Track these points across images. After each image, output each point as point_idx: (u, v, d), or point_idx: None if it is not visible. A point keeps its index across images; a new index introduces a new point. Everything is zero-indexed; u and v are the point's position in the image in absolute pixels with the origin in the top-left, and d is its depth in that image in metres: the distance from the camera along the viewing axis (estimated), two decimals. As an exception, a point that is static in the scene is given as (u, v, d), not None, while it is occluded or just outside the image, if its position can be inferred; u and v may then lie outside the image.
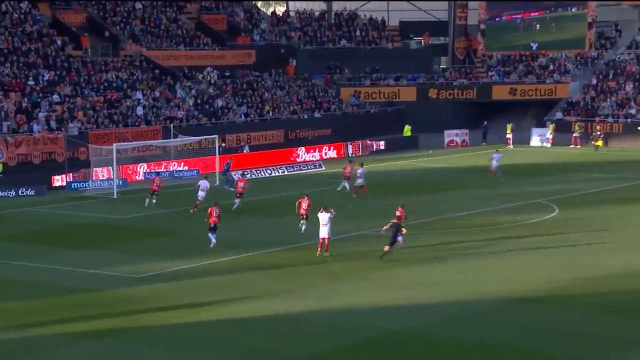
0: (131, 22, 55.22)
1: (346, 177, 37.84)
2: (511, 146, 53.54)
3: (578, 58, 62.82)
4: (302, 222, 29.02)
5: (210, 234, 27.61)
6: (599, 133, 52.91)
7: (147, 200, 35.23)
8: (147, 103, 48.44)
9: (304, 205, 28.93)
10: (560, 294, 22.16)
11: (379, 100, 60.00)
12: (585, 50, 63.27)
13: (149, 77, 51.11)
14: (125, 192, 38.88)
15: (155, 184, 35.72)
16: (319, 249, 26.43)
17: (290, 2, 73.92)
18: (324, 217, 26.25)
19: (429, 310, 21.15)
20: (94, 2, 54.82)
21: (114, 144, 40.00)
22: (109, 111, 46.24)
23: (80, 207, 35.69)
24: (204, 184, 34.26)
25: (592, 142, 52.32)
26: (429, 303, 21.66)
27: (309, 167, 46.14)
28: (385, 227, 25.98)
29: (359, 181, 36.69)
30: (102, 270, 25.20)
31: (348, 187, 37.55)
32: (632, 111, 55.89)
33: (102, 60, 50.53)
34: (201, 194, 33.70)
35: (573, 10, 63.94)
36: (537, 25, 64.55)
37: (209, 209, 27.83)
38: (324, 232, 26.16)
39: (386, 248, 25.62)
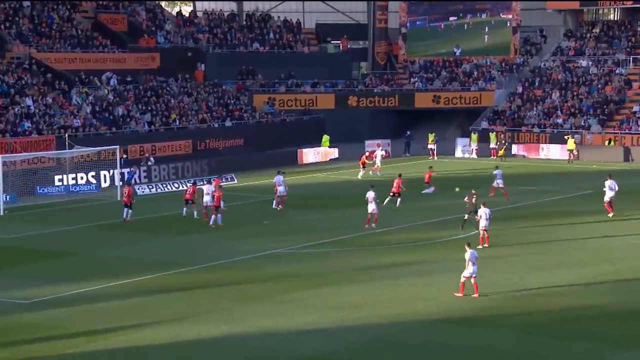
0: (18, 21, 53.71)
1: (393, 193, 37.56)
2: (434, 157, 54.33)
3: (503, 64, 64.47)
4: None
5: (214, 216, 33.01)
6: (503, 142, 54.38)
7: (124, 211, 34.33)
8: (39, 110, 47.12)
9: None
10: (487, 314, 22.47)
11: (295, 108, 60.13)
12: (511, 56, 65.00)
13: (39, 81, 49.76)
14: (14, 209, 37.63)
15: (125, 195, 34.86)
16: (367, 223, 32.41)
17: (197, 2, 73.45)
18: (370, 194, 32.84)
19: (351, 333, 21.12)
20: (-25, -1, 53.13)
21: (0, 156, 38.68)
22: (-5, 119, 44.77)
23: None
24: (279, 178, 36.39)
25: (493, 152, 53.79)
26: (351, 325, 21.63)
27: (220, 181, 45.64)
28: (466, 200, 31.90)
29: (281, 189, 36.65)
30: (-14, 296, 24.24)
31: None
32: (559, 120, 57.63)
33: (-14, 62, 48.96)
34: (281, 188, 36.39)
35: (483, 16, 65.52)
36: (457, 29, 65.90)
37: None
38: (371, 207, 32.58)
39: (466, 217, 31.53)
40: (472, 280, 23.75)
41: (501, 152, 53.58)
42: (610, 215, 34.28)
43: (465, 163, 51.97)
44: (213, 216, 33.80)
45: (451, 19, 65.91)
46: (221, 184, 38.88)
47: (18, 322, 22.07)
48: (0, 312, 22.85)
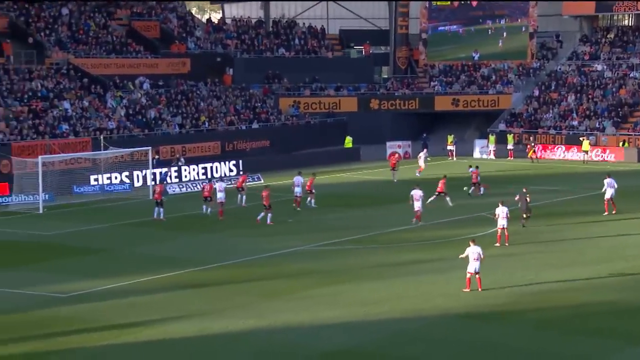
0: (57, 29, 54.14)
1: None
2: (453, 158, 54.10)
3: (520, 69, 64.04)
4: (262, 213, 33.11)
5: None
6: (532, 144, 53.82)
7: (155, 210, 34.68)
8: (76, 113, 47.46)
9: (264, 194, 33.37)
10: (504, 309, 22.31)
11: (319, 110, 60.05)
12: (527, 61, 64.54)
13: (76, 86, 50.12)
14: (52, 207, 37.91)
15: (157, 192, 35.30)
16: (416, 218, 32.83)
17: (226, 9, 73.63)
18: (417, 192, 32.92)
19: (373, 328, 21.04)
20: (16, 7, 53.54)
21: (40, 157, 38.97)
22: (34, 122, 45.13)
23: (2, 223, 34.63)
24: (298, 179, 36.20)
25: (529, 155, 53.22)
26: (373, 320, 21.55)
27: (247, 180, 45.69)
28: (517, 198, 32.32)
29: (297, 190, 36.61)
30: (25, 289, 24.44)
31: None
32: (574, 122, 57.16)
33: (26, 68, 49.36)
34: (297, 189, 36.10)
35: (502, 22, 65.15)
36: (475, 34, 65.55)
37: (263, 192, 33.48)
38: (417, 205, 32.76)
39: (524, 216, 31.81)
40: (477, 276, 23.62)
41: (531, 154, 52.91)
42: (606, 214, 33.93)
43: (485, 164, 51.58)
44: (262, 213, 33.68)
45: (471, 25, 65.52)
46: (249, 182, 38.97)
47: (55, 314, 22.21)
48: (38, 305, 23.01)
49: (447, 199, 36.52)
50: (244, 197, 37.80)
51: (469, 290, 23.65)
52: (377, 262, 27.53)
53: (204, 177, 45.96)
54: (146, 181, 42.65)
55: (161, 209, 34.91)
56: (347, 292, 24.06)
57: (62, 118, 46.51)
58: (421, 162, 47.33)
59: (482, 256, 23.86)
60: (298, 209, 36.49)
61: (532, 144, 53.75)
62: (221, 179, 37.23)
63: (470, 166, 41.62)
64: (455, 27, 65.95)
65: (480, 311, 22.13)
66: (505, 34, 65.19)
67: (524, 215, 32.38)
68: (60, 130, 45.42)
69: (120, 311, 22.46)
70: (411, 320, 21.51)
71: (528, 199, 32.53)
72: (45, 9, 54.80)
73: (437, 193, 36.70)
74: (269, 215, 33.55)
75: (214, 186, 36.04)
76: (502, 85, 62.20)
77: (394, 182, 43.64)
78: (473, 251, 23.79)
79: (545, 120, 58.17)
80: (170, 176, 44.72)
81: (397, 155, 47.28)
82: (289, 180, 39.25)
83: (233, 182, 41.55)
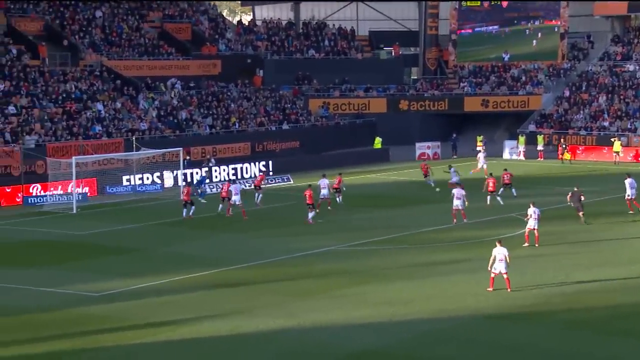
0: (91, 31, 54.76)
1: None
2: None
3: (551, 69, 63.55)
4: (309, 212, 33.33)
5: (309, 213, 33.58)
6: (564, 146, 53.27)
7: (184, 210, 35.29)
8: (108, 115, 47.97)
9: (308, 194, 33.68)
10: (534, 310, 22.20)
11: (348, 112, 60.08)
12: (558, 61, 64.03)
13: (109, 87, 50.66)
14: (85, 207, 38.37)
15: (184, 193, 35.86)
16: (464, 218, 32.94)
17: (256, 11, 73.94)
18: (459, 191, 33.03)
19: (402, 328, 21.05)
20: (51, 10, 54.26)
21: (73, 157, 39.47)
22: (68, 123, 45.70)
23: (37, 223, 35.10)
24: (324, 182, 36.34)
25: (560, 156, 52.74)
26: (402, 320, 21.55)
27: (277, 181, 45.98)
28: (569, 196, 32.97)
29: (323, 192, 36.66)
30: (59, 288, 24.77)
31: (340, 200, 38.03)
32: (605, 123, 56.58)
33: (61, 70, 49.99)
34: (324, 191, 36.19)
35: (537, 22, 64.71)
36: (507, 35, 65.24)
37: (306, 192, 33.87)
38: (455, 204, 32.95)
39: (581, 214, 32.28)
40: (505, 276, 23.54)
41: (567, 157, 52.41)
42: (631, 212, 33.84)
43: (515, 165, 51.25)
44: (312, 213, 33.91)
45: (506, 25, 65.12)
46: (279, 184, 39.16)
47: (88, 313, 22.47)
48: (72, 303, 23.31)
49: (513, 190, 37.83)
50: (261, 195, 38.23)
51: (492, 289, 23.59)
52: (406, 263, 27.52)
53: (234, 177, 46.24)
54: (177, 182, 42.98)
55: (192, 207, 35.34)
56: (376, 292, 24.09)
57: (95, 119, 47.04)
58: (480, 163, 46.41)
59: (508, 258, 23.76)
60: (329, 207, 36.55)
61: (563, 145, 53.27)
62: (236, 181, 37.78)
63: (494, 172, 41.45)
64: (488, 28, 65.60)
65: (510, 312, 22.04)
66: (540, 34, 64.73)
67: (580, 214, 32.59)
68: (93, 132, 45.94)
69: (153, 310, 22.67)
70: (440, 321, 21.49)
71: (582, 197, 32.78)
72: (79, 12, 55.47)
73: (490, 192, 36.86)
74: (310, 214, 33.78)
75: (230, 188, 36.15)
76: (532, 86, 61.78)
77: (432, 186, 42.87)
78: (499, 252, 23.74)
79: (575, 121, 57.67)
80: (210, 178, 44.77)
81: (425, 164, 45.06)
82: (317, 181, 39.25)
83: (247, 185, 42.15)
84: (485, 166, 46.54)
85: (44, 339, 20.46)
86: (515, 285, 23.88)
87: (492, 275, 23.73)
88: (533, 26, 64.90)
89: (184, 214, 35.30)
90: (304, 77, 61.70)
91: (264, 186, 39.92)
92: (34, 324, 21.57)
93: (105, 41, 54.86)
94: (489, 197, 36.95)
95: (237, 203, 35.26)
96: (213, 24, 62.59)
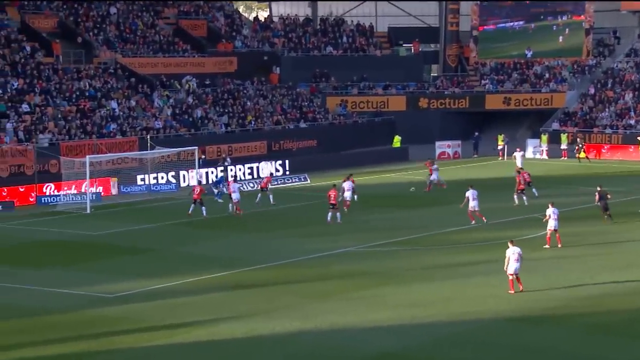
0: (105, 28, 55.12)
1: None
2: (503, 158, 53.66)
3: (575, 66, 63.22)
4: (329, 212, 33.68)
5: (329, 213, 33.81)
6: (580, 145, 52.96)
7: (192, 206, 35.93)
8: (123, 113, 48.28)
9: (332, 194, 33.82)
10: (556, 312, 22.17)
11: (367, 110, 60.11)
12: (583, 58, 63.69)
13: (124, 85, 50.97)
14: (99, 207, 38.65)
15: (196, 192, 36.32)
16: (472, 219, 33.01)
17: (273, 7, 74.09)
18: (474, 192, 32.97)
19: (421, 331, 21.09)
20: (65, 7, 54.67)
21: (87, 156, 39.75)
22: (82, 121, 46.03)
23: (50, 223, 35.41)
24: (349, 184, 36.54)
25: (576, 155, 52.49)
26: (421, 323, 21.59)
27: (293, 180, 46.10)
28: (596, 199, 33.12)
29: (348, 194, 36.75)
30: (73, 289, 24.98)
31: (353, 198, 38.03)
32: (632, 122, 56.23)
33: (75, 67, 50.35)
34: (348, 194, 36.26)
35: (564, 18, 64.41)
36: (533, 31, 65.00)
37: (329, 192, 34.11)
38: (471, 204, 33.09)
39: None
40: (515, 276, 23.62)
41: (582, 155, 52.19)
42: None
43: (538, 164, 51.11)
44: (331, 213, 34.08)
45: (531, 21, 64.87)
46: (295, 183, 39.30)
47: (102, 315, 22.65)
48: (86, 305, 23.51)
49: (534, 190, 37.92)
50: (271, 196, 38.82)
51: (513, 292, 23.58)
52: (426, 264, 27.55)
53: (250, 177, 46.38)
54: (192, 181, 43.17)
55: (203, 207, 35.60)
56: (395, 294, 24.14)
57: (109, 117, 47.35)
58: (518, 162, 45.87)
59: (521, 257, 23.78)
60: (345, 209, 36.65)
61: (580, 144, 52.96)
62: (235, 179, 38.29)
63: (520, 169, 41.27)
64: (513, 23, 65.37)
65: (532, 314, 22.03)
66: (567, 30, 64.39)
67: (606, 214, 32.72)
68: (107, 130, 46.25)
69: (169, 312, 22.83)
70: (461, 324, 21.51)
71: (609, 196, 32.96)
72: (93, 9, 55.83)
73: (518, 190, 36.96)
74: (329, 214, 34.00)
75: (230, 186, 37.12)
76: (556, 83, 61.48)
77: (442, 185, 43.10)
78: (513, 252, 23.75)
79: (600, 119, 57.34)
80: (226, 177, 44.99)
81: (431, 161, 44.57)
82: (334, 180, 39.32)
83: (257, 183, 42.66)
84: (520, 165, 46.05)
85: (57, 341, 20.66)
86: (539, 287, 23.87)
87: (510, 277, 23.72)
88: (562, 21, 64.51)
89: (190, 209, 35.73)
90: (321, 74, 61.78)
91: (271, 187, 40.13)
92: (48, 326, 21.79)
93: (120, 38, 55.20)
94: (515, 196, 36.73)
95: (237, 200, 36.12)
96: (229, 20, 62.81)
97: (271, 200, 38.67)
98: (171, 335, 20.97)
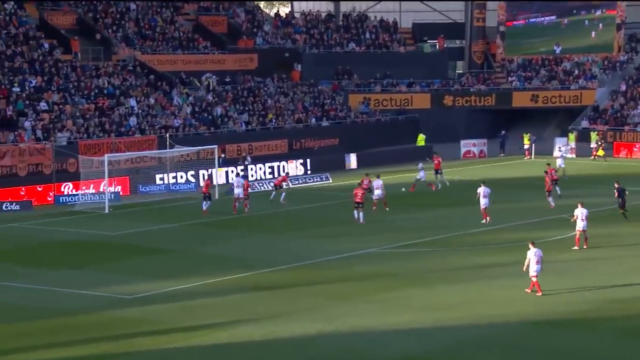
0: (124, 24, 55.43)
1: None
2: (530, 157, 53.35)
3: (606, 62, 62.70)
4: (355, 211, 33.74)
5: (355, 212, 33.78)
6: (600, 143, 52.43)
7: (204, 203, 36.35)
8: (142, 111, 48.52)
9: (359, 194, 33.85)
10: (585, 316, 22.03)
11: (390, 107, 60.03)
12: (614, 54, 63.14)
13: (143, 83, 51.24)
14: (117, 207, 38.88)
15: (204, 186, 37.01)
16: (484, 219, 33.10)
17: (295, 3, 74.17)
18: (485, 190, 33.25)
19: (445, 334, 21.02)
20: (84, 3, 55.06)
21: (106, 155, 39.97)
22: (100, 119, 46.33)
23: (68, 223, 35.67)
24: (378, 183, 36.65)
25: (592, 152, 52.02)
26: (445, 326, 21.53)
27: (315, 180, 46.12)
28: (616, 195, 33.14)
29: (378, 193, 36.66)
30: (91, 290, 25.15)
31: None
32: (664, 119, 55.71)
33: (93, 65, 50.70)
34: (378, 192, 36.43)
35: (597, 12, 63.90)
36: (565, 26, 64.46)
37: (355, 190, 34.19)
38: (483, 203, 33.37)
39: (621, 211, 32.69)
40: (534, 279, 23.49)
41: (600, 153, 51.89)
42: None
43: (567, 163, 50.68)
44: (356, 212, 34.16)
45: (564, 16, 64.39)
46: (317, 183, 39.33)
47: (121, 316, 22.79)
48: (105, 306, 23.65)
49: (557, 189, 37.82)
50: (283, 194, 39.00)
51: (541, 294, 23.46)
52: (451, 265, 27.45)
53: (271, 176, 46.45)
54: (212, 180, 43.27)
55: (208, 202, 36.18)
56: (419, 296, 24.08)
57: (128, 115, 47.61)
58: (559, 162, 45.44)
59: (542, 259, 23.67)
60: (386, 208, 36.50)
61: (600, 142, 52.41)
62: (238, 175, 38.63)
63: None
64: (544, 19, 64.93)
65: (559, 317, 21.90)
66: (601, 25, 63.84)
67: (622, 211, 32.73)
68: (126, 128, 46.50)
69: (188, 313, 22.92)
70: (486, 327, 21.41)
71: (626, 192, 32.85)
72: (112, 5, 56.18)
73: (548, 192, 36.69)
74: (356, 212, 34.08)
75: (232, 181, 37.39)
76: (585, 80, 61.04)
77: (446, 184, 42.89)
78: (534, 253, 23.63)
79: (632, 117, 56.82)
80: (246, 176, 45.08)
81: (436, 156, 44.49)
82: (356, 180, 39.30)
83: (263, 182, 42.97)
84: (562, 165, 45.45)
85: (75, 343, 20.80)
86: (569, 289, 23.72)
87: (534, 279, 23.61)
88: (596, 16, 63.92)
89: (203, 206, 36.14)
90: (343, 71, 61.75)
91: (285, 186, 40.30)
92: (65, 327, 21.94)
93: (139, 35, 55.50)
94: (550, 199, 36.47)
95: (239, 197, 36.41)
96: (250, 16, 62.95)
97: (282, 198, 38.68)
98: (189, 338, 21.06)
